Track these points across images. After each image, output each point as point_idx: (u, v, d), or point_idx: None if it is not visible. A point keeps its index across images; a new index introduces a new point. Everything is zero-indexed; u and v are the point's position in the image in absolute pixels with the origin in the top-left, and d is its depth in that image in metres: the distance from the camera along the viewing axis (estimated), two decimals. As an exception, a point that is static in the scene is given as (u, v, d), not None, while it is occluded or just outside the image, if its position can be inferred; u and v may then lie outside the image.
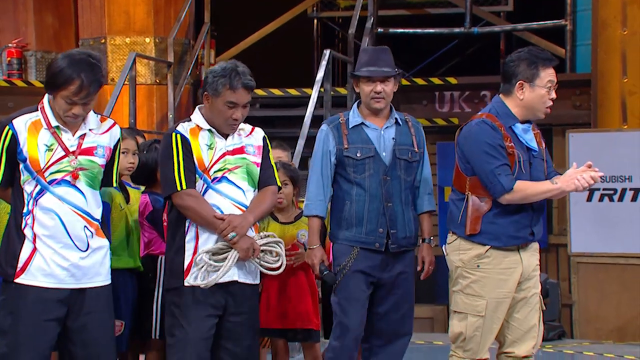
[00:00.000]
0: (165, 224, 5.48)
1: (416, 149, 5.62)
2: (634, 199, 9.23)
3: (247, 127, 5.20)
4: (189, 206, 4.97)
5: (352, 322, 5.52)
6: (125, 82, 9.54)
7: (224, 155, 5.05)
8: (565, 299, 9.93)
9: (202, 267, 4.95)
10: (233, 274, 4.99)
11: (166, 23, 10.90)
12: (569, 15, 11.13)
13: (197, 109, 5.16)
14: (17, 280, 4.63)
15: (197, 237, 5.01)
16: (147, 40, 10.83)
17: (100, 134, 4.79)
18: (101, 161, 4.77)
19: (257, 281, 5.16)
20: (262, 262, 5.07)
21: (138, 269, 5.71)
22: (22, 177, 4.66)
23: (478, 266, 5.15)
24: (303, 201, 5.74)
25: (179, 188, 4.97)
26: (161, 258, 5.59)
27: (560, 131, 10.13)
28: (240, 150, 5.09)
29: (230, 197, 5.03)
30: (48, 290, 4.63)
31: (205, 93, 5.05)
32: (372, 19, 11.04)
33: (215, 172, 5.03)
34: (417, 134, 5.66)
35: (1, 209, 5.49)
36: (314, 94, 9.37)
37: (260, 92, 10.80)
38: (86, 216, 4.70)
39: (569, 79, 10.37)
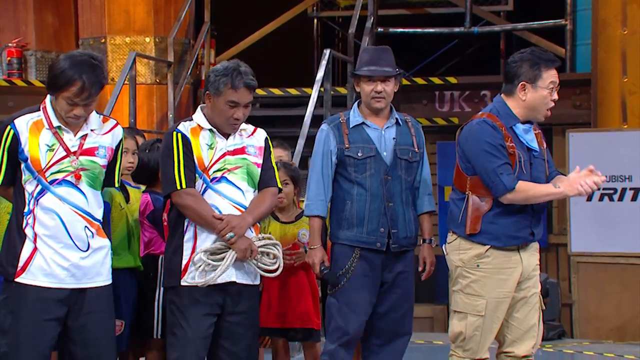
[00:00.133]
0: (165, 223, 5.48)
1: (416, 149, 5.62)
2: (634, 198, 9.23)
3: (250, 127, 5.20)
4: (188, 205, 4.98)
5: (352, 329, 5.50)
6: (125, 82, 9.54)
7: (224, 155, 5.05)
8: (565, 298, 9.93)
9: (199, 266, 4.95)
10: (230, 275, 4.99)
11: (166, 22, 10.90)
12: (569, 14, 11.15)
13: (199, 108, 5.16)
14: (17, 280, 4.64)
15: (195, 237, 5.01)
16: (147, 39, 10.83)
17: (102, 134, 4.79)
18: (102, 162, 4.77)
19: (257, 282, 5.16)
20: (259, 263, 5.06)
21: (138, 268, 5.71)
22: (23, 177, 4.67)
23: (478, 266, 5.15)
24: (304, 201, 5.74)
25: (178, 187, 4.98)
26: (162, 258, 5.59)
27: (560, 131, 10.13)
28: (241, 151, 5.09)
29: (229, 197, 5.02)
30: (48, 290, 4.63)
31: (207, 92, 5.05)
32: (372, 18, 11.05)
33: (214, 172, 5.02)
34: (417, 134, 5.67)
35: (1, 209, 5.50)
36: (314, 93, 9.37)
37: (260, 91, 10.79)
38: (87, 216, 4.70)
39: (569, 79, 10.37)
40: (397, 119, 5.63)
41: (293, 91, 11.12)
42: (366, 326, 5.58)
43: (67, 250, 4.66)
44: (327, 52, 9.64)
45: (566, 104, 10.26)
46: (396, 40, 12.12)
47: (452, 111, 11.04)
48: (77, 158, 4.69)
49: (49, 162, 4.64)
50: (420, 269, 5.62)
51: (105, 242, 4.80)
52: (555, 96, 5.16)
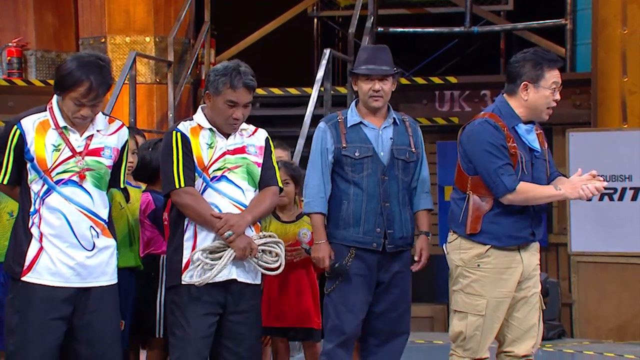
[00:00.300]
0: (166, 222, 5.48)
1: (413, 149, 5.61)
2: (634, 198, 9.23)
3: (250, 127, 5.20)
4: (187, 204, 4.98)
5: (348, 328, 5.50)
6: (126, 81, 9.53)
7: (224, 154, 5.05)
8: (565, 298, 9.93)
9: (198, 265, 4.95)
10: (230, 273, 4.98)
11: (166, 22, 10.90)
12: (569, 14, 11.14)
13: (199, 108, 5.17)
14: (24, 279, 4.66)
15: (195, 236, 5.01)
16: (147, 39, 10.82)
17: (108, 135, 4.82)
18: (108, 162, 4.79)
19: (258, 281, 5.15)
20: (260, 261, 5.05)
21: (138, 267, 5.71)
22: (29, 177, 4.69)
23: (478, 265, 5.15)
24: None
25: (177, 186, 4.98)
26: (163, 257, 5.59)
27: (560, 130, 10.13)
28: (241, 150, 5.09)
29: (229, 196, 5.02)
30: (54, 288, 4.66)
31: (207, 92, 5.06)
32: (372, 18, 11.04)
33: (214, 170, 5.02)
34: (415, 134, 5.65)
35: (1, 209, 5.50)
36: (314, 93, 9.37)
37: (260, 91, 10.78)
38: (92, 216, 4.73)
39: (569, 78, 10.33)
40: (394, 118, 5.62)
41: (293, 91, 11.12)
42: (363, 326, 5.57)
43: (73, 250, 4.68)
44: (327, 51, 9.64)
45: (566, 103, 10.24)
46: (396, 39, 12.12)
47: (452, 111, 11.03)
48: (83, 158, 4.72)
49: (54, 162, 4.67)
50: (416, 258, 5.60)
51: (111, 242, 4.82)
52: (558, 96, 5.16)
